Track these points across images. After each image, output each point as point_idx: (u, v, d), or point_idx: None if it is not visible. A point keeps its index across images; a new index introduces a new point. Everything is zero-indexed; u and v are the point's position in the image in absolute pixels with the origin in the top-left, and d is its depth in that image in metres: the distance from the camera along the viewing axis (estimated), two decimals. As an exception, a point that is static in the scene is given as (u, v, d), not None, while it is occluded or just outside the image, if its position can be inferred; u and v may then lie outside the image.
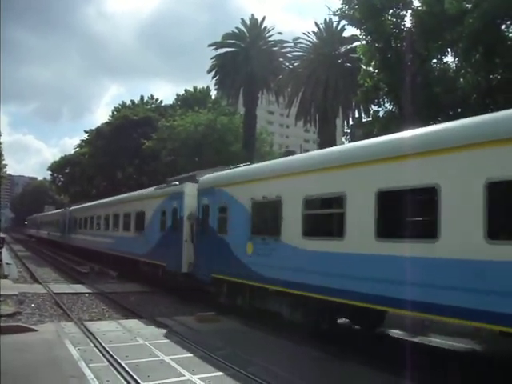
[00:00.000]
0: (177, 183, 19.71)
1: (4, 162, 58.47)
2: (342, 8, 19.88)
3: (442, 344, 11.57)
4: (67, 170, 74.91)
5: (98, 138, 59.98)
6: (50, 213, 62.16)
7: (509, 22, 15.85)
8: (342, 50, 37.06)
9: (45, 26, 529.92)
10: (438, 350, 11.12)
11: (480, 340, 11.67)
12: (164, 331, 12.21)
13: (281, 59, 44.34)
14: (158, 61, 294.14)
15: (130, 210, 24.47)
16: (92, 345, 10.55)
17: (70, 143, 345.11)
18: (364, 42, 20.35)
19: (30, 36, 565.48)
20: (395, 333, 12.58)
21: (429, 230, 8.12)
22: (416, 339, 12.06)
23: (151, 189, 23.43)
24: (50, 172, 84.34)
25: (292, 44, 41.36)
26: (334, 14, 20.92)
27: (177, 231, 18.19)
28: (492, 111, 8.90)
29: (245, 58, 42.78)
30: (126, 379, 8.19)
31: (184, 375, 8.50)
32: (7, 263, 26.85)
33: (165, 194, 20.22)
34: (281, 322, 12.35)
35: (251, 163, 18.57)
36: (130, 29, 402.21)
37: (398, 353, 9.06)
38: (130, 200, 25.56)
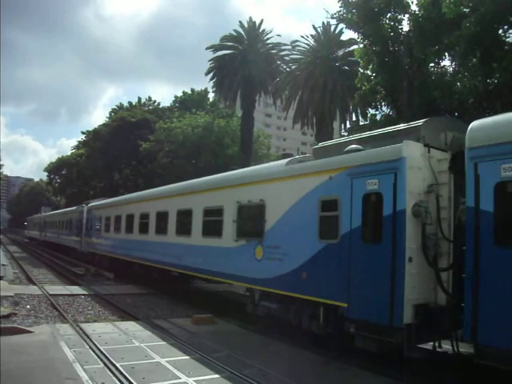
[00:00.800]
0: (359, 147, 10.57)
1: (1, 163, 58.45)
2: (340, 11, 19.96)
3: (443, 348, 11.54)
4: (64, 172, 74.90)
5: (95, 140, 60.01)
6: (58, 212, 52.26)
7: (506, 27, 15.92)
8: (340, 53, 37.08)
9: (43, 28, 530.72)
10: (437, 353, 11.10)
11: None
12: (160, 333, 12.17)
13: (278, 62, 44.41)
14: (155, 63, 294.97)
15: (218, 202, 15.03)
16: (87, 347, 10.51)
17: (67, 144, 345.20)
18: (361, 46, 20.43)
19: (29, 38, 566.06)
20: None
21: None
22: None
23: (277, 163, 13.54)
24: (46, 173, 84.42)
25: (290, 47, 41.40)
26: (332, 17, 21.02)
27: (382, 241, 9.24)
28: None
29: (242, 60, 42.81)
30: (121, 381, 8.16)
31: (180, 377, 8.48)
32: (3, 264, 26.73)
33: (328, 169, 10.68)
34: (278, 324, 12.32)
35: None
36: (128, 31, 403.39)
37: (399, 356, 9.03)
38: (219, 186, 15.72)
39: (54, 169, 79.77)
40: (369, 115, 23.37)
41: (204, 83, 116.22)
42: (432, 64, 18.68)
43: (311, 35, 38.26)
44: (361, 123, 30.41)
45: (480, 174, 7.80)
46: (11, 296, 17.18)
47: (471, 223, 7.90)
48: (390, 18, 18.84)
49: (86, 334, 11.64)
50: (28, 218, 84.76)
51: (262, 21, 46.27)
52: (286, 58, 42.61)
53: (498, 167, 7.53)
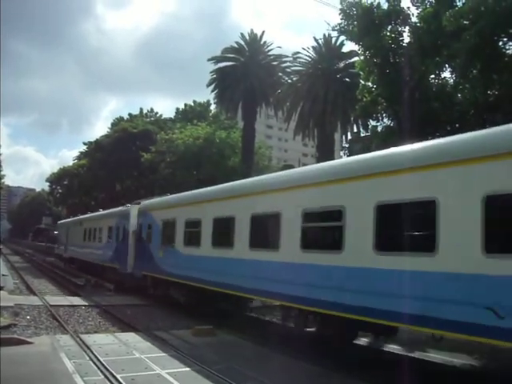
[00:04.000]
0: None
1: (3, 173, 58.47)
2: (340, 23, 20.12)
3: (441, 360, 11.50)
4: (65, 182, 74.96)
5: (96, 151, 60.20)
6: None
7: (506, 39, 16.03)
8: (341, 65, 37.33)
9: (45, 40, 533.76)
10: (437, 366, 11.04)
11: (478, 355, 11.62)
12: (160, 345, 12.11)
13: (280, 74, 44.63)
14: (156, 76, 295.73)
15: None
16: (88, 358, 10.44)
17: (68, 155, 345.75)
18: (362, 57, 20.56)
19: (31, 49, 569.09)
20: (392, 347, 12.52)
21: None
22: (414, 354, 11.99)
23: None
24: (48, 183, 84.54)
25: (291, 59, 41.71)
26: (333, 30, 21.20)
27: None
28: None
29: (244, 72, 43.06)
30: (121, 393, 8.11)
31: (180, 389, 8.43)
32: (3, 275, 26.68)
33: None
34: (278, 335, 12.28)
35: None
36: (129, 45, 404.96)
37: (398, 368, 8.99)
38: None
39: (55, 179, 79.89)
40: (370, 127, 23.48)
41: (205, 96, 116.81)
42: (432, 76, 18.78)
43: (312, 47, 38.60)
44: (362, 135, 30.55)
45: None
46: (11, 306, 17.10)
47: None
48: (390, 30, 18.98)
49: (87, 345, 11.58)
50: (62, 223, 47.83)
51: (263, 33, 46.73)
52: (288, 70, 42.88)
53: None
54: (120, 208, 27.02)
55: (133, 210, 23.50)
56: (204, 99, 62.83)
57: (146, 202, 23.04)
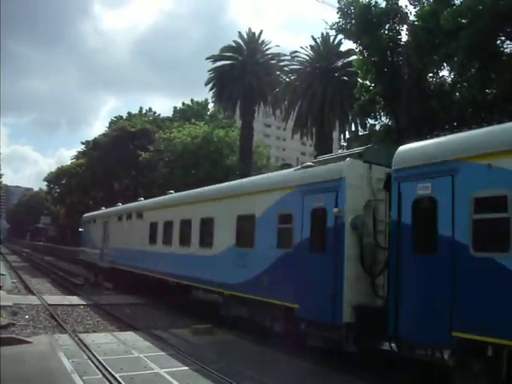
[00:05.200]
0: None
1: (1, 172, 58.29)
2: (338, 22, 20.14)
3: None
4: (63, 181, 74.82)
5: (94, 150, 60.14)
6: None
7: (503, 38, 16.05)
8: (339, 63, 37.29)
9: (45, 40, 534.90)
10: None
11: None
12: (159, 343, 12.11)
13: (278, 72, 44.57)
14: (154, 75, 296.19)
15: None
16: (86, 357, 10.43)
17: (66, 154, 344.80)
18: (360, 56, 20.57)
19: (31, 50, 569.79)
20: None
21: None
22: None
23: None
24: (46, 183, 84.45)
25: (289, 57, 41.67)
26: (331, 28, 21.20)
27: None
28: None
29: (242, 70, 42.97)
30: (120, 392, 8.11)
31: (179, 388, 8.43)
32: (2, 274, 26.66)
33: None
34: (276, 335, 12.27)
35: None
36: (127, 44, 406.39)
37: (397, 367, 9.00)
38: None
39: (53, 178, 79.81)
40: (368, 125, 23.50)
41: (203, 94, 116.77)
42: (430, 74, 18.81)
43: (310, 46, 38.55)
44: (360, 133, 30.58)
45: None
46: (10, 306, 17.09)
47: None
48: (388, 29, 19.00)
49: (85, 345, 11.57)
50: (94, 216, 32.85)
51: (261, 31, 46.59)
52: (286, 69, 42.79)
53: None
54: (294, 170, 12.44)
55: (355, 170, 10.14)
56: (202, 98, 62.87)
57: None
